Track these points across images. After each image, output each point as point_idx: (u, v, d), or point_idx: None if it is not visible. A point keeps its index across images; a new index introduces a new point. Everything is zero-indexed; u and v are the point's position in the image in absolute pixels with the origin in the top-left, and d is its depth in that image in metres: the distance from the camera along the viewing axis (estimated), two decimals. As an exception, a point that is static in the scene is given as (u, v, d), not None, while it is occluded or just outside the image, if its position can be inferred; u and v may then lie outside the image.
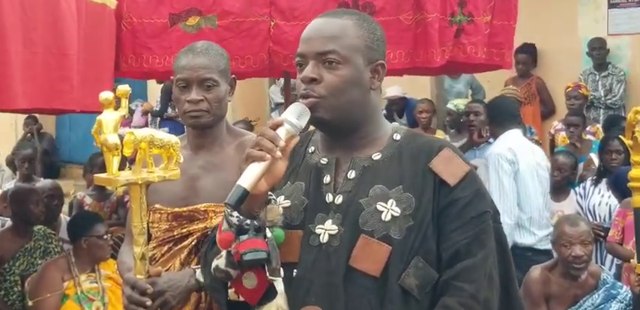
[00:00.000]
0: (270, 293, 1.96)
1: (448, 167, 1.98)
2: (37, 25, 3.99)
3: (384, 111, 8.97)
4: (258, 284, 1.96)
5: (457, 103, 7.93)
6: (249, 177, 1.89)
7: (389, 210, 1.95)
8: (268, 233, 1.95)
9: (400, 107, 9.06)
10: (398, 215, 1.94)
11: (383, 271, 1.93)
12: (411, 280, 1.92)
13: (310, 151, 2.10)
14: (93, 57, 4.42)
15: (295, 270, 1.99)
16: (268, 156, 1.90)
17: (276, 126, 1.94)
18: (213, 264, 1.99)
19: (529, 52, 8.99)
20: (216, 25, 4.68)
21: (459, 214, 1.96)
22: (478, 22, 4.99)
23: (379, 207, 1.96)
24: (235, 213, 1.97)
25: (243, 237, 1.93)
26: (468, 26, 4.96)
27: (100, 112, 4.59)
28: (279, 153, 1.90)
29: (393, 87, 8.67)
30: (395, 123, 2.14)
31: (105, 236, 4.90)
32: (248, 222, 1.95)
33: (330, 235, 1.98)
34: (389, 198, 1.96)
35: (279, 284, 1.94)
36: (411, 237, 1.93)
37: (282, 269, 1.95)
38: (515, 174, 5.11)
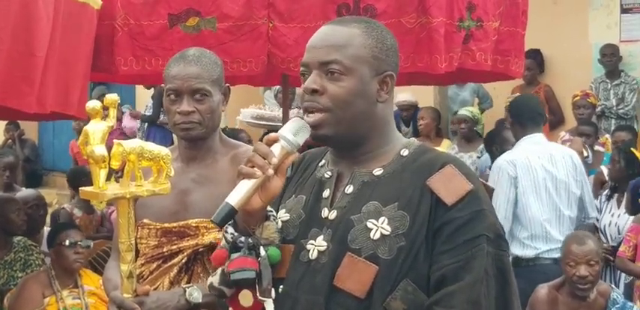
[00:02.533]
0: None
1: (447, 185, 1.94)
2: (7, 24, 4.01)
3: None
4: (254, 304, 1.96)
5: (473, 110, 7.99)
6: (238, 194, 1.90)
7: (379, 227, 1.92)
8: (262, 252, 1.95)
9: (410, 114, 9.04)
10: (388, 234, 1.91)
11: (368, 292, 1.90)
12: (397, 304, 1.89)
13: (320, 165, 2.11)
14: (66, 59, 4.42)
15: (281, 286, 1.99)
16: (259, 173, 1.90)
17: (271, 142, 1.95)
18: (208, 281, 2.00)
19: (534, 57, 9.01)
20: (216, 27, 4.71)
21: (452, 236, 1.90)
22: (487, 28, 4.99)
23: (369, 225, 1.93)
24: (230, 230, 1.97)
25: (235, 255, 1.94)
26: (477, 32, 4.95)
27: (65, 115, 4.62)
28: (270, 171, 1.90)
29: (404, 93, 8.65)
30: (412, 139, 2.11)
31: (66, 243, 4.80)
32: (242, 239, 1.95)
33: (319, 251, 1.97)
34: (381, 216, 1.93)
35: (269, 306, 1.94)
36: (400, 258, 1.90)
37: (273, 289, 1.94)
38: (515, 188, 5.08)
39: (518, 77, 5.56)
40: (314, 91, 1.98)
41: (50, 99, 4.31)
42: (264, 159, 1.91)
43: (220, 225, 1.90)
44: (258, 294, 1.93)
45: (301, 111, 2.05)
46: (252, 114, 6.88)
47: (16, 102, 4.20)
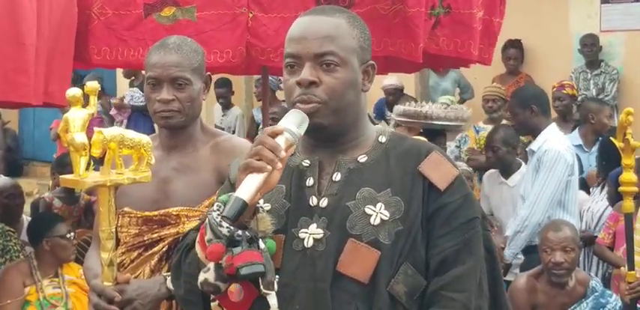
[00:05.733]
0: (256, 307, 1.97)
1: (437, 171, 2.01)
2: None
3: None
4: (245, 297, 1.97)
5: (452, 99, 7.99)
6: (249, 188, 1.90)
7: (378, 213, 1.97)
8: (261, 245, 1.95)
9: (395, 99, 9.01)
10: (387, 219, 1.96)
11: (371, 277, 1.95)
12: (399, 287, 1.94)
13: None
14: (53, 47, 4.40)
15: (277, 277, 1.99)
16: (269, 167, 1.90)
17: (275, 135, 1.94)
18: (201, 278, 1.97)
19: (518, 47, 9.05)
20: (195, 17, 4.70)
21: (448, 220, 1.98)
22: (454, 15, 5.03)
23: (368, 211, 1.97)
24: (225, 224, 1.95)
25: (237, 250, 1.92)
26: (444, 18, 5.00)
27: (57, 105, 4.60)
28: (279, 164, 1.92)
29: (389, 78, 8.63)
30: (378, 126, 2.16)
31: (68, 236, 4.87)
32: (239, 232, 1.94)
33: (314, 239, 1.99)
34: (377, 202, 1.98)
35: (272, 299, 1.94)
36: (400, 242, 1.95)
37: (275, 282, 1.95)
38: (569, 176, 5.07)
39: (487, 64, 5.56)
40: (312, 83, 2.00)
41: (42, 89, 4.30)
42: (273, 152, 1.91)
43: (233, 220, 1.89)
44: (261, 287, 1.93)
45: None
46: (398, 111, 6.31)
47: (17, 95, 4.17)
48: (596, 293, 4.40)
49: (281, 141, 1.94)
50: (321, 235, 1.99)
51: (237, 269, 1.90)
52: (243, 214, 1.94)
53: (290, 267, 2.00)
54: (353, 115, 2.06)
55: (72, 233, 4.96)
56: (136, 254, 2.85)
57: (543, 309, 4.43)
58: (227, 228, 1.94)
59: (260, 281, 1.93)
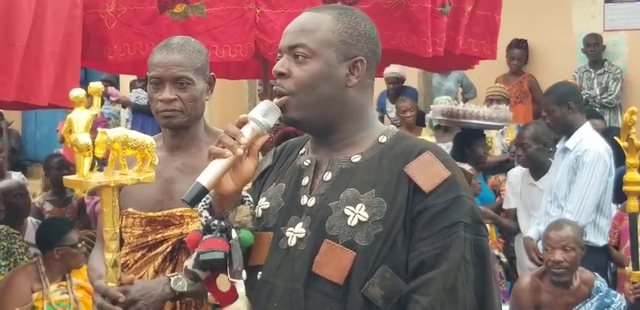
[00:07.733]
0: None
1: (425, 172, 1.95)
2: None
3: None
4: (230, 288, 2.01)
5: (450, 99, 7.96)
6: (209, 173, 1.93)
7: (356, 214, 1.94)
8: (234, 234, 1.98)
9: (397, 88, 8.93)
10: (365, 220, 1.93)
11: (346, 278, 1.92)
12: (375, 290, 1.90)
13: (301, 153, 2.13)
14: (62, 51, 4.41)
15: (260, 273, 2.01)
16: (228, 152, 1.93)
17: (241, 124, 1.98)
18: (184, 265, 2.03)
19: (522, 47, 9.05)
20: (205, 13, 4.73)
21: (430, 223, 1.92)
22: (453, 11, 5.04)
23: (346, 211, 1.95)
24: (205, 213, 2.01)
25: (205, 237, 1.97)
26: (447, 16, 5.02)
27: (49, 106, 4.60)
28: (240, 150, 1.93)
29: (391, 67, 8.58)
30: (390, 126, 2.13)
31: (79, 245, 4.86)
32: (215, 222, 1.99)
33: (297, 238, 1.99)
34: (358, 202, 1.95)
35: (240, 287, 1.99)
36: (378, 244, 1.91)
37: (245, 271, 1.97)
38: (608, 176, 5.02)
39: (491, 59, 5.54)
40: (281, 74, 2.02)
41: (45, 91, 4.30)
42: (234, 139, 1.94)
43: (191, 204, 1.94)
44: (228, 276, 1.96)
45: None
46: (442, 111, 6.20)
47: None
48: (601, 293, 4.39)
49: (246, 129, 1.97)
50: (303, 234, 1.98)
51: (198, 255, 1.96)
52: (224, 204, 2.00)
53: (272, 265, 2.00)
54: (335, 111, 2.03)
55: (82, 243, 4.94)
56: (139, 254, 2.86)
57: (548, 309, 4.42)
58: (205, 217, 2.01)
59: (228, 270, 1.95)
